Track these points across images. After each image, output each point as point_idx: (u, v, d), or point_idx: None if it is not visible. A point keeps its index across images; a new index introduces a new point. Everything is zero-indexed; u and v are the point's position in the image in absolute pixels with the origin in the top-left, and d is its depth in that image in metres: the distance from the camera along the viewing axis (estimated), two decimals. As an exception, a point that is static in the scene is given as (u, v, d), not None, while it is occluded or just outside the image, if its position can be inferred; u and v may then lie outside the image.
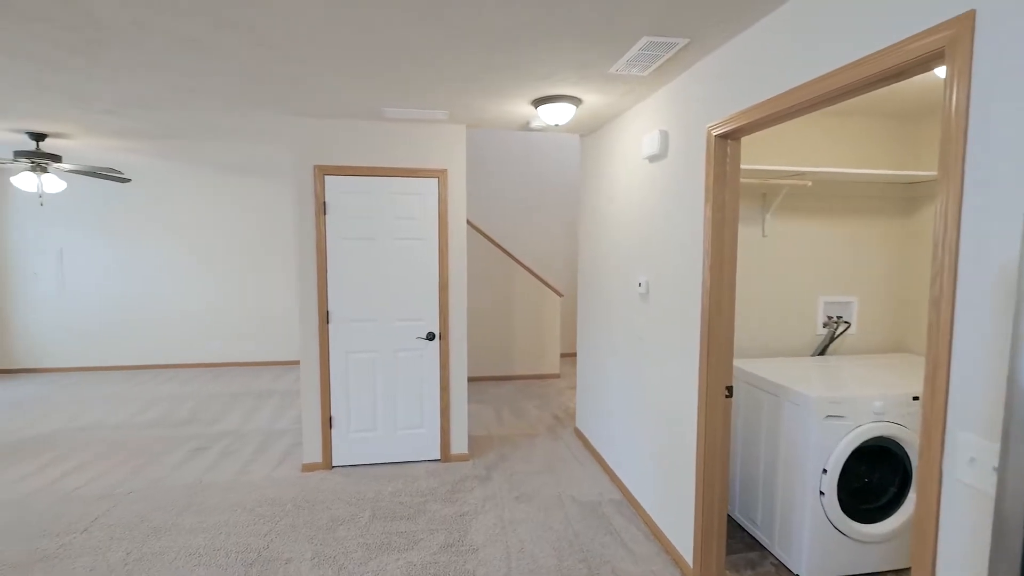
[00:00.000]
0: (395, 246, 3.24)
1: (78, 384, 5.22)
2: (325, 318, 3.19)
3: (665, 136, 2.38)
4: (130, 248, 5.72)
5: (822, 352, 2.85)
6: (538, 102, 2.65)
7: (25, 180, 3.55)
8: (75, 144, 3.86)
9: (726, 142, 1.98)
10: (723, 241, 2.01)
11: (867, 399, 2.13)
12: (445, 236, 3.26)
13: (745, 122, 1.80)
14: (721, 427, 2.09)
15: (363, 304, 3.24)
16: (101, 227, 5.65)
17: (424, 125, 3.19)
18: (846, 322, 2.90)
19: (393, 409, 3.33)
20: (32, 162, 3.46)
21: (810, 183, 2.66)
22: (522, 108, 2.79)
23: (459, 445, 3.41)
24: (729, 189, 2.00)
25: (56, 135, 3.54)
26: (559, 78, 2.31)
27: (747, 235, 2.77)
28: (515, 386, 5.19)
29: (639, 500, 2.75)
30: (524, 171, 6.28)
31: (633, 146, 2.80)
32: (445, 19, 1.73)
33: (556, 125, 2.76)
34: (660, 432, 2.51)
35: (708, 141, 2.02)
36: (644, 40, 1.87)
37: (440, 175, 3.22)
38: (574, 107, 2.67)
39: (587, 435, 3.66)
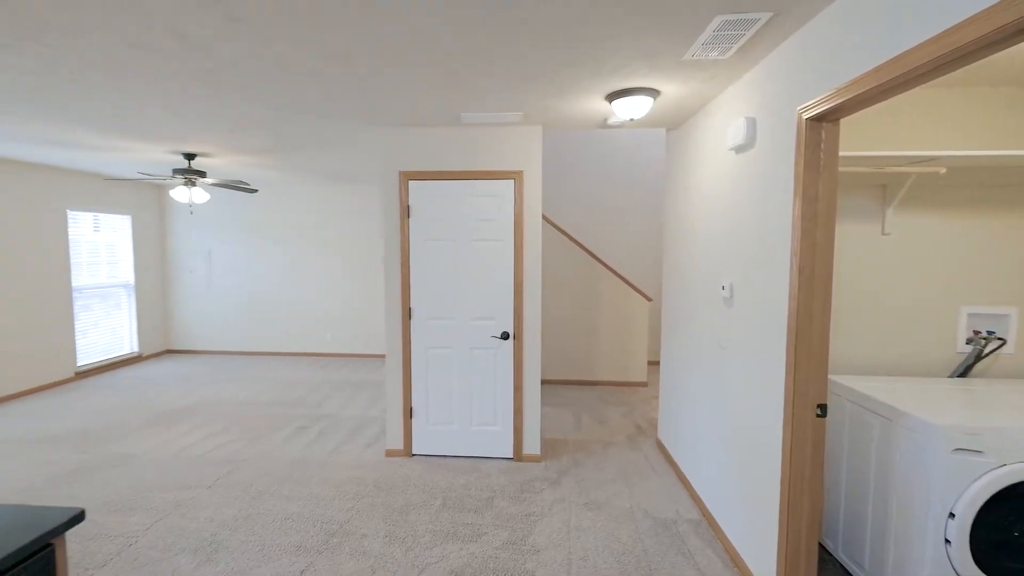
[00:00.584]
0: (473, 247, 3.34)
1: (217, 365, 6.16)
2: (408, 315, 3.39)
3: (752, 124, 2.15)
4: (258, 250, 6.61)
5: (963, 373, 2.37)
6: (612, 96, 2.56)
7: (179, 193, 4.30)
8: (217, 162, 4.58)
9: (820, 125, 1.73)
10: (815, 239, 1.76)
11: (1016, 432, 1.72)
12: (521, 237, 3.29)
13: (843, 99, 1.56)
14: (811, 450, 1.83)
15: (442, 302, 3.38)
16: (236, 232, 6.62)
17: (500, 128, 3.25)
18: (999, 339, 2.38)
19: (468, 405, 3.43)
20: (184, 178, 4.17)
21: (943, 170, 2.22)
22: (596, 104, 2.72)
23: (531, 446, 3.41)
24: (824, 179, 1.74)
25: (202, 154, 4.22)
26: (630, 69, 2.21)
27: (862, 232, 2.40)
28: (598, 392, 5.05)
29: (719, 521, 2.51)
30: (611, 171, 6.10)
31: (719, 137, 2.57)
32: (508, 17, 1.74)
33: (632, 119, 2.64)
34: (743, 450, 2.27)
35: (798, 125, 1.78)
36: (718, 19, 1.71)
37: (516, 176, 3.26)
38: (651, 99, 2.53)
39: (668, 447, 3.44)
